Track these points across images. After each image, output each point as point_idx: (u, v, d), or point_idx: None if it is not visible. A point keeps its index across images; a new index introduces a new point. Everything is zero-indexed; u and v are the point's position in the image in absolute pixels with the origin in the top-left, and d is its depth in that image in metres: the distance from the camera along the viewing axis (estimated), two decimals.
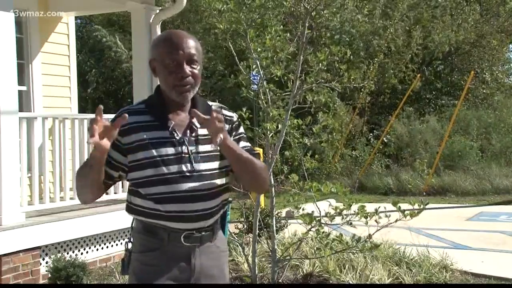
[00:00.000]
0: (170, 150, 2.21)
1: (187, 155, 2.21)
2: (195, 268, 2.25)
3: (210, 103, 2.36)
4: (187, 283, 2.25)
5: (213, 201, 2.24)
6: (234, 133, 2.34)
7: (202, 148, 2.25)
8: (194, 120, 2.24)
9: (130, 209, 2.30)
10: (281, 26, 5.11)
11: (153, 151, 2.20)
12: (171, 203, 2.18)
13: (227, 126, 2.28)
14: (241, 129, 2.39)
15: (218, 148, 2.22)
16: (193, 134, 2.25)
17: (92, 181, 2.17)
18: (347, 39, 15.67)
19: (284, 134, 4.88)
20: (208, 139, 2.21)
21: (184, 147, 2.22)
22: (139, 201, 2.24)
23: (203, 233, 2.26)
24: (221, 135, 2.08)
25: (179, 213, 2.19)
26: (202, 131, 2.24)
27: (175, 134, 2.23)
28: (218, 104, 2.39)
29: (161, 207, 2.19)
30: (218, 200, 2.27)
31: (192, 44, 2.23)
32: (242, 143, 2.34)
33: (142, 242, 2.27)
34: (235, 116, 2.38)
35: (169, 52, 2.20)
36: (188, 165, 2.21)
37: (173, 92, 2.23)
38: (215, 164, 2.25)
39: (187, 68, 2.21)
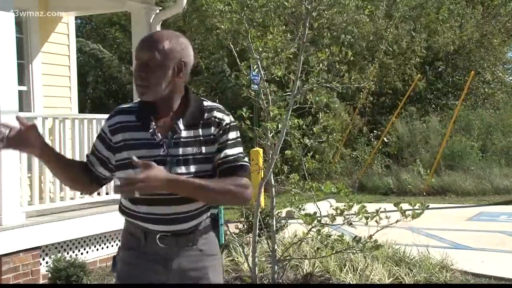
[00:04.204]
0: (149, 152, 2.20)
1: (164, 158, 2.19)
2: (172, 270, 2.24)
3: (206, 103, 2.30)
4: (162, 283, 2.25)
5: (190, 205, 2.21)
6: (219, 140, 2.23)
7: (181, 151, 2.20)
8: (179, 122, 2.22)
9: (119, 208, 2.35)
10: (284, 26, 5.12)
11: (134, 152, 2.19)
12: (145, 204, 2.21)
13: (212, 130, 2.23)
14: (231, 135, 2.25)
15: (202, 151, 2.21)
16: (174, 136, 2.22)
17: (61, 178, 2.36)
18: (351, 39, 15.68)
19: (284, 134, 4.88)
20: (187, 142, 2.21)
21: (161, 149, 2.20)
22: (123, 200, 2.30)
23: (181, 236, 2.24)
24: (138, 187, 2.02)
25: (151, 215, 2.21)
26: (186, 133, 2.22)
27: (155, 136, 2.22)
28: (215, 104, 2.31)
29: (135, 208, 2.24)
30: (196, 204, 2.22)
31: (154, 46, 2.20)
32: (225, 152, 2.22)
33: (124, 241, 2.34)
34: (227, 119, 2.26)
35: (137, 50, 2.25)
36: (162, 167, 2.16)
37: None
38: (193, 168, 2.20)
39: (141, 70, 2.20)
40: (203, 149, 2.22)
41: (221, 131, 2.23)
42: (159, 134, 2.22)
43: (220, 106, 2.31)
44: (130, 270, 2.29)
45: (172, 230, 2.22)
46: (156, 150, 2.20)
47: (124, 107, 2.32)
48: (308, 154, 5.48)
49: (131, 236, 2.29)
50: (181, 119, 2.23)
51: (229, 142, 2.24)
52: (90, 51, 16.94)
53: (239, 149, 2.26)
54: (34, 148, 2.20)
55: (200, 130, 2.23)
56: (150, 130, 2.22)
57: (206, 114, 2.25)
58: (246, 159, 2.28)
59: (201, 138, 2.22)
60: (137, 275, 2.26)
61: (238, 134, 2.30)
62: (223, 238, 2.46)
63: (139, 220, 2.24)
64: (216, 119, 2.24)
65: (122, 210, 2.31)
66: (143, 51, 2.21)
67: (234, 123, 2.29)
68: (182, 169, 2.19)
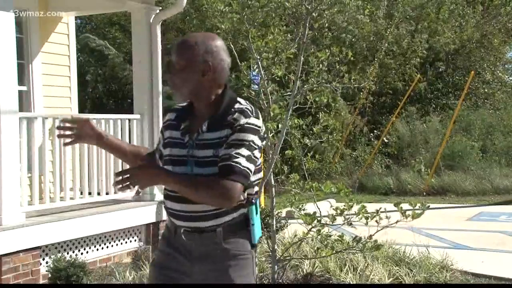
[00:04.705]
0: (179, 151, 2.34)
1: (186, 158, 2.30)
2: (194, 265, 2.34)
3: (238, 105, 2.32)
4: (185, 276, 2.36)
5: (206, 205, 2.27)
6: (228, 140, 2.25)
7: (201, 153, 2.29)
8: (204, 124, 2.31)
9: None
10: (284, 27, 5.12)
11: (169, 150, 2.38)
12: (170, 201, 2.36)
13: (226, 131, 2.26)
14: (237, 135, 2.25)
15: (218, 153, 2.26)
16: (198, 138, 2.31)
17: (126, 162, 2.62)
18: (352, 39, 15.67)
19: (284, 134, 4.88)
20: (208, 144, 2.28)
21: (185, 150, 2.32)
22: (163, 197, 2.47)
23: (203, 233, 2.31)
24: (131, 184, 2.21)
25: (175, 211, 2.35)
26: (208, 135, 2.29)
27: (184, 137, 2.35)
28: (243, 106, 2.31)
29: (166, 203, 2.41)
30: None
31: (174, 52, 2.34)
32: (224, 151, 2.24)
33: (163, 232, 2.52)
34: (242, 121, 2.26)
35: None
36: (185, 167, 2.30)
37: None
38: (210, 170, 2.26)
39: (168, 74, 2.37)
40: (219, 151, 2.26)
41: (231, 131, 2.26)
42: (187, 135, 2.34)
43: (247, 108, 2.31)
44: (159, 255, 2.47)
45: (192, 226, 2.33)
46: (184, 150, 2.33)
47: (177, 106, 2.50)
48: (308, 154, 5.48)
49: (167, 229, 2.45)
50: (207, 121, 2.31)
51: (232, 141, 2.25)
52: (97, 47, 16.90)
53: (237, 150, 2.23)
54: (90, 139, 2.53)
55: (220, 132, 2.28)
56: (180, 130, 2.37)
57: (229, 116, 2.28)
58: (240, 160, 2.21)
59: (219, 140, 2.27)
60: (163, 260, 2.42)
61: (249, 137, 2.25)
62: (256, 238, 2.42)
63: (169, 215, 2.41)
64: (232, 120, 2.27)
65: (163, 206, 2.46)
66: (172, 55, 2.35)
67: (249, 126, 2.26)
68: (200, 170, 2.28)
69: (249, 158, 2.24)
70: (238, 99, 2.36)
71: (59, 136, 2.59)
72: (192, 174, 2.29)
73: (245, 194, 2.33)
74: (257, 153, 2.29)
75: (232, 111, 2.29)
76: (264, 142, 2.36)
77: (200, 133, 2.30)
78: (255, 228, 2.36)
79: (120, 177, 2.19)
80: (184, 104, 2.45)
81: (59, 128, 2.56)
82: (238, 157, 2.22)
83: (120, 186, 2.19)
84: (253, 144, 2.26)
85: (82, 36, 17.56)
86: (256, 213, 2.37)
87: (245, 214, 2.35)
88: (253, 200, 2.35)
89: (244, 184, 2.24)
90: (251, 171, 2.26)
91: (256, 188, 2.39)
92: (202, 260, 2.32)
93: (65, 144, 2.61)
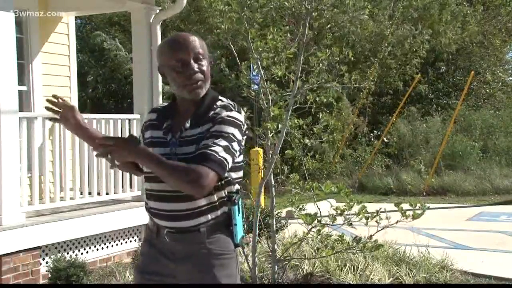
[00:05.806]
0: (160, 150, 2.29)
1: (169, 156, 2.27)
2: (178, 266, 2.31)
3: (220, 102, 2.34)
4: (169, 278, 2.32)
5: (191, 203, 2.25)
6: (208, 133, 2.25)
7: (184, 149, 2.27)
8: (187, 121, 2.30)
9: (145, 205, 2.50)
10: (285, 27, 5.11)
11: (151, 149, 2.31)
12: (152, 200, 2.34)
13: (208, 125, 2.26)
14: (217, 127, 2.24)
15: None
16: (182, 135, 2.29)
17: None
18: (355, 39, 15.66)
19: (284, 134, 4.87)
20: (191, 140, 2.27)
21: (168, 148, 2.30)
22: (145, 198, 2.43)
23: (186, 233, 2.28)
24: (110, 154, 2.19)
25: (157, 211, 2.32)
26: (191, 132, 2.28)
27: (167, 135, 2.32)
28: (225, 103, 2.34)
29: (148, 203, 2.38)
30: (198, 202, 2.25)
31: (196, 42, 2.29)
32: (203, 141, 2.23)
33: (144, 234, 2.50)
34: (223, 114, 2.27)
35: (175, 53, 2.27)
36: None
37: (185, 91, 2.29)
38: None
39: (195, 66, 2.27)
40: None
41: (211, 124, 2.26)
42: (170, 133, 2.32)
43: (229, 103, 2.33)
44: (141, 259, 2.43)
45: (175, 226, 2.29)
46: (166, 149, 2.30)
47: (157, 106, 2.50)
48: (309, 154, 5.48)
49: (149, 230, 2.42)
50: (189, 118, 2.30)
51: (212, 132, 2.24)
52: (107, 47, 16.85)
53: (215, 140, 2.21)
54: (70, 126, 2.50)
55: (202, 127, 2.28)
56: (162, 129, 2.34)
57: (211, 113, 2.29)
58: (217, 149, 2.19)
59: (202, 135, 2.26)
60: (146, 264, 2.39)
61: (229, 130, 2.24)
62: (238, 238, 2.41)
63: (151, 215, 2.37)
64: (214, 115, 2.28)
65: (145, 206, 2.43)
66: (187, 49, 2.27)
67: (230, 118, 2.27)
68: None
69: (226, 149, 2.20)
70: (220, 97, 2.37)
71: (47, 108, 2.52)
72: None
73: (225, 191, 2.31)
74: (236, 145, 2.25)
75: (215, 107, 2.31)
76: (245, 137, 2.34)
77: (183, 131, 2.29)
78: (238, 228, 2.35)
79: (102, 141, 2.17)
80: (165, 104, 2.45)
81: (49, 101, 2.50)
82: (215, 146, 2.19)
83: (100, 151, 2.18)
84: (232, 137, 2.23)
85: (94, 34, 17.59)
86: (239, 214, 2.35)
87: (228, 213, 2.34)
88: (235, 200, 2.33)
89: (219, 174, 2.19)
90: (228, 162, 2.21)
91: (237, 186, 2.36)
92: (186, 260, 2.29)
93: (48, 118, 2.64)
